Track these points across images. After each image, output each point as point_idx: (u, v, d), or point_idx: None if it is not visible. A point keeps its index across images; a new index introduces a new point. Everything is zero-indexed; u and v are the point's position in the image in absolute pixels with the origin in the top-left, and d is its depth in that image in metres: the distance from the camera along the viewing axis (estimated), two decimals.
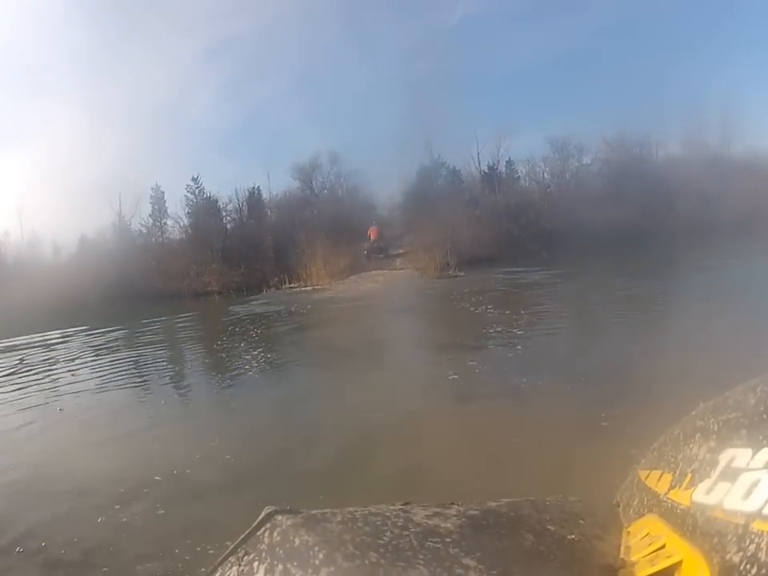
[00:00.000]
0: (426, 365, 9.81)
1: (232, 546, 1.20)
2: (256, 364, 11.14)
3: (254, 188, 33.78)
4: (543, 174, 35.41)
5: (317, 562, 0.99)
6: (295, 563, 1.02)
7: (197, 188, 34.54)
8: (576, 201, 30.87)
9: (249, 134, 50.90)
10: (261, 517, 1.20)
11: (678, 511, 1.03)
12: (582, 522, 1.30)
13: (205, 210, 33.12)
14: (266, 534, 1.15)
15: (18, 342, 17.13)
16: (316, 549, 1.03)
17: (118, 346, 15.72)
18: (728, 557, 0.81)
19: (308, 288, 25.55)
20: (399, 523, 1.18)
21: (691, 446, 1.16)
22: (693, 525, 0.94)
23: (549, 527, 1.25)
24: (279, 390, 9.38)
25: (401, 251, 29.35)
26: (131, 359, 13.22)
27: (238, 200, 33.47)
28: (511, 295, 17.16)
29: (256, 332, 15.44)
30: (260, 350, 12.58)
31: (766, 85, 50.88)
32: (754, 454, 0.90)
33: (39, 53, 46.79)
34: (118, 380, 11.03)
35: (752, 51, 48.42)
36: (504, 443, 5.67)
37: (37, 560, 4.49)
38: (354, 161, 35.07)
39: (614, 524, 1.27)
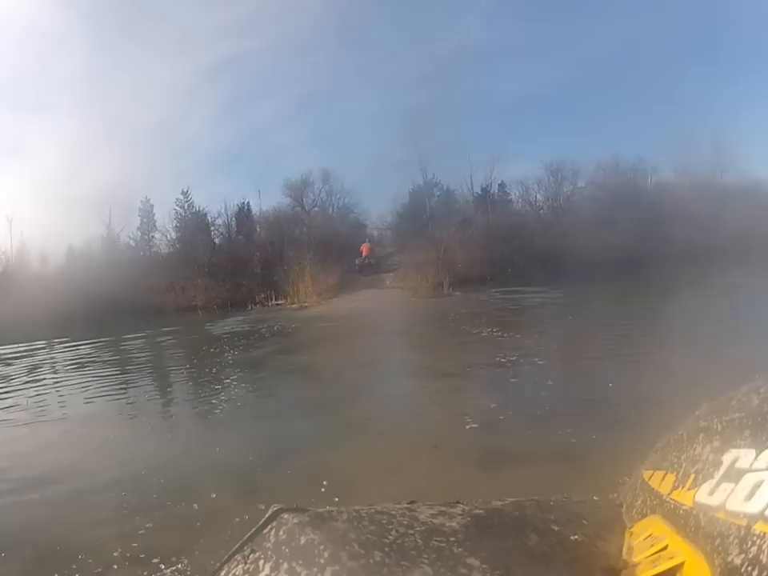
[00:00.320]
0: (433, 404, 7.63)
1: (238, 544, 1.13)
2: (217, 403, 8.67)
3: (243, 203, 32.63)
4: (536, 196, 34.66)
5: (322, 561, 0.95)
6: (300, 561, 0.97)
7: (186, 202, 33.32)
8: (570, 224, 30.40)
9: (244, 154, 50.26)
10: (267, 515, 1.13)
11: (681, 512, 0.97)
12: (585, 522, 1.22)
13: (193, 224, 31.94)
14: (272, 532, 1.09)
15: None
16: (321, 547, 0.98)
17: (81, 362, 14.45)
18: (730, 558, 0.77)
19: (294, 306, 24.21)
20: (404, 522, 1.12)
21: (695, 446, 1.09)
22: (695, 526, 0.89)
23: (552, 527, 1.17)
24: (236, 451, 6.39)
25: (392, 270, 28.25)
26: (77, 381, 11.61)
27: (227, 215, 32.33)
28: (515, 317, 15.25)
29: (232, 354, 13.60)
30: (231, 379, 10.60)
31: (758, 111, 52.29)
32: (757, 455, 0.86)
33: (40, 66, 44.59)
34: (47, 406, 9.42)
35: (744, 79, 48.08)
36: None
37: None
38: (346, 179, 34.47)
39: (616, 525, 1.19)
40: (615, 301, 17.13)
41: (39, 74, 45.04)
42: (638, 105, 45.20)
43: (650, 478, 1.26)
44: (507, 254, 28.67)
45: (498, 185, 34.12)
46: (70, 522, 4.61)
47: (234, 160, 50.45)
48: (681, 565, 0.87)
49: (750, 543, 0.75)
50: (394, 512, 1.18)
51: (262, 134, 50.86)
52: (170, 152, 47.14)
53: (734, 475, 0.89)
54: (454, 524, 1.13)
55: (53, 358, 15.65)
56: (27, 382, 11.72)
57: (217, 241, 31.94)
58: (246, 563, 1.08)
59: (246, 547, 1.12)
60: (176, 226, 32.41)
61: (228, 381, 10.14)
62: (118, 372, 12.41)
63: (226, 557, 1.16)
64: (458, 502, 1.27)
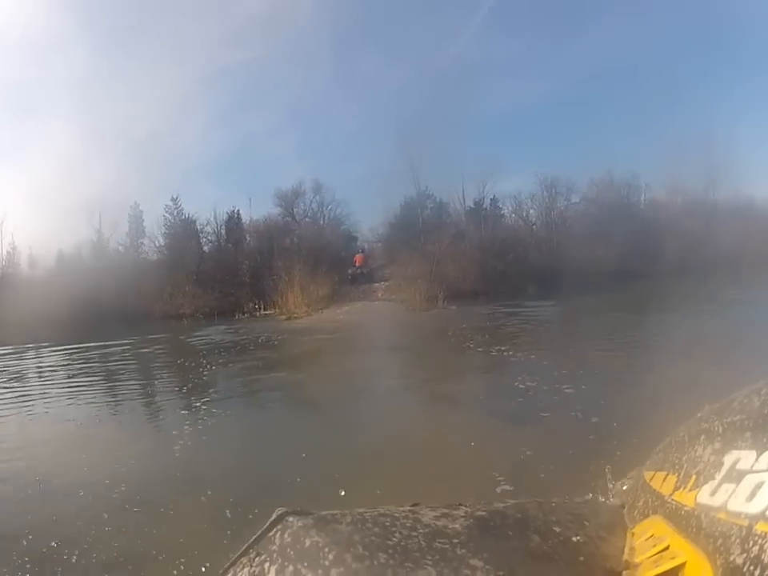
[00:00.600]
0: (451, 450, 5.65)
1: (244, 547, 1.11)
2: (177, 435, 6.95)
3: (233, 211, 31.44)
4: (529, 211, 33.86)
5: (327, 563, 0.94)
6: (306, 564, 0.96)
7: (175, 208, 32.06)
8: (564, 239, 29.54)
9: (235, 164, 48.60)
10: (272, 518, 1.12)
11: (683, 513, 0.95)
12: (587, 523, 1.18)
13: (182, 230, 30.75)
14: (278, 534, 1.08)
15: None
16: (326, 550, 0.97)
17: (44, 369, 13.72)
18: (731, 558, 0.76)
19: (283, 316, 22.89)
20: (408, 524, 1.10)
21: (696, 447, 1.06)
22: (697, 526, 0.88)
23: (554, 528, 1.14)
24: (199, 500, 4.84)
25: (383, 281, 27.13)
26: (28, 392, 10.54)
27: (217, 222, 31.23)
28: (521, 333, 13.68)
29: (209, 369, 12.10)
30: (201, 401, 8.87)
31: (751, 129, 51.25)
32: (758, 456, 0.84)
33: (35, 71, 45.23)
34: None
35: (737, 95, 48.99)
36: None
37: None
38: (338, 191, 33.51)
39: (618, 525, 1.17)
40: (620, 315, 15.96)
41: (34, 79, 44.11)
42: (630, 121, 43.95)
43: (652, 478, 1.22)
44: (501, 269, 27.60)
45: (490, 199, 33.30)
46: None
47: (225, 170, 48.76)
48: (683, 565, 0.85)
49: (751, 543, 0.73)
50: (397, 514, 1.15)
51: (253, 144, 49.89)
52: (161, 160, 46.11)
53: (736, 476, 0.86)
54: (456, 526, 1.10)
55: (18, 364, 14.82)
56: None
57: (206, 248, 30.97)
58: (251, 566, 1.05)
59: (251, 550, 1.09)
60: (165, 232, 31.32)
61: (195, 405, 8.65)
62: (76, 384, 11.20)
63: (232, 560, 1.12)
64: (460, 504, 1.23)
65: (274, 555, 1.03)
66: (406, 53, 48.12)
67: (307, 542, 1.01)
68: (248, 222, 31.92)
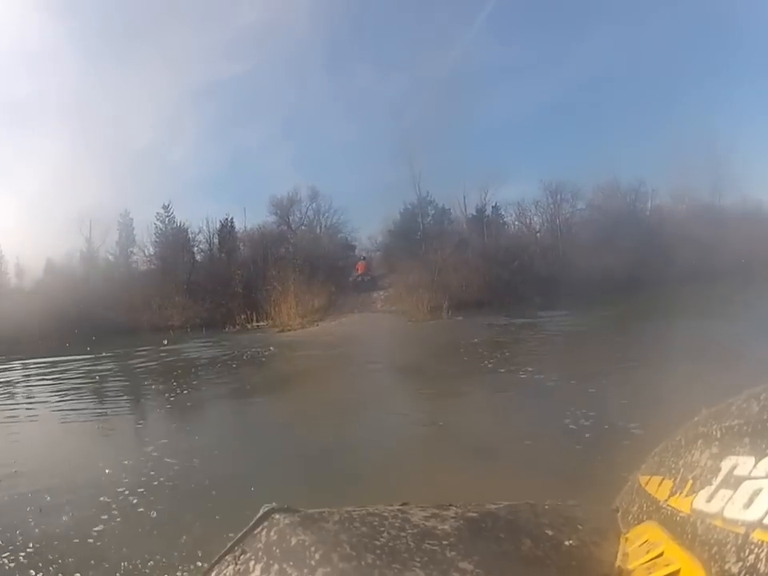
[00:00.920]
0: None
1: (229, 545, 1.08)
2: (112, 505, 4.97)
3: (226, 219, 30.09)
4: (533, 218, 32.53)
5: (313, 563, 0.91)
6: (291, 563, 0.93)
7: (167, 216, 30.75)
8: (569, 246, 28.30)
9: (231, 176, 46.89)
10: (258, 515, 1.08)
11: (678, 519, 0.92)
12: (580, 527, 1.15)
13: (173, 239, 29.55)
14: (263, 532, 1.04)
15: None
16: (312, 549, 0.94)
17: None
18: (727, 567, 0.74)
19: (276, 329, 21.39)
20: (396, 524, 1.06)
21: (693, 452, 1.03)
22: (692, 533, 0.86)
23: (547, 532, 1.10)
24: None
25: (382, 291, 25.71)
26: None
27: (209, 231, 29.98)
28: (546, 350, 12.41)
29: (179, 391, 10.28)
30: (158, 442, 6.82)
31: (758, 134, 49.35)
32: (756, 462, 0.81)
33: (27, 81, 44.88)
34: None
35: (742, 99, 46.74)
36: None
37: None
38: (335, 198, 31.85)
39: (612, 530, 1.12)
40: (653, 325, 13.91)
41: (26, 90, 42.86)
42: (635, 127, 43.20)
43: (647, 483, 1.16)
44: (505, 278, 26.09)
45: (492, 207, 32.07)
46: None
47: (220, 182, 47.57)
48: (677, 572, 0.83)
49: (747, 551, 0.72)
50: (386, 514, 1.11)
51: (247, 157, 48.38)
52: (154, 172, 44.82)
53: (733, 482, 0.83)
54: (446, 527, 1.07)
55: None
56: None
57: (198, 258, 29.84)
58: (236, 564, 1.03)
59: (236, 548, 1.06)
60: (155, 241, 30.23)
61: (148, 447, 6.66)
62: (30, 404, 10.07)
63: (217, 557, 1.09)
64: (450, 505, 1.19)
65: (260, 553, 0.99)
66: (402, 62, 46.44)
67: (293, 541, 0.97)
68: (242, 230, 30.88)
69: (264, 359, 13.65)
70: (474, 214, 31.36)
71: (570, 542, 1.06)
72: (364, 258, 28.87)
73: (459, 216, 31.95)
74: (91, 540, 4.25)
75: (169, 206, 30.34)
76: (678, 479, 1.01)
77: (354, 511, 1.10)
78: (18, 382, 13.05)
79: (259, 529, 1.05)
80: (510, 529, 1.10)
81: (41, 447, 7.18)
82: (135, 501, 4.96)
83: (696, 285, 20.23)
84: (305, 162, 49.59)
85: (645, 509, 1.09)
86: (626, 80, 46.99)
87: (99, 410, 9.23)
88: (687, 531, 0.86)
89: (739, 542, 0.73)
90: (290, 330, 20.68)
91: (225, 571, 1.03)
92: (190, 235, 29.72)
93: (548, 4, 48.04)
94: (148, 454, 6.28)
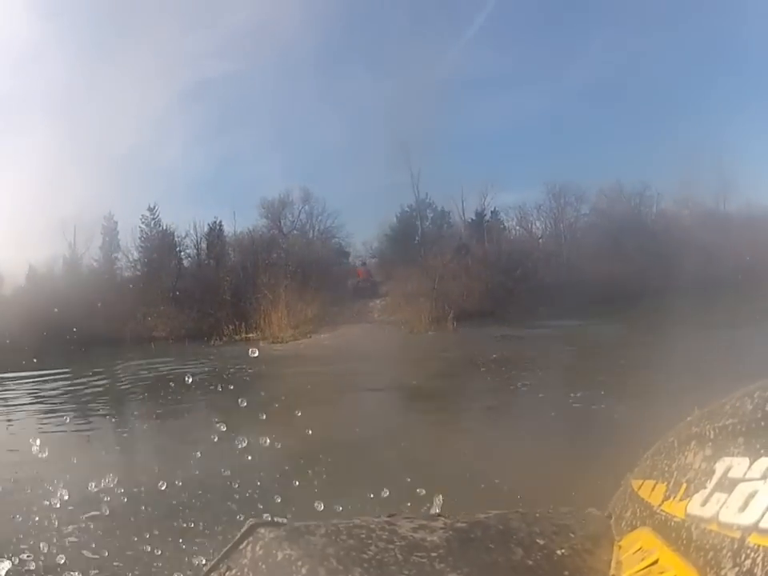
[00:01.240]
0: None
1: (214, 561, 1.06)
2: None
3: (214, 222, 28.40)
4: (535, 222, 31.03)
5: None
6: None
7: (152, 219, 28.82)
8: (574, 253, 27.10)
9: (220, 179, 45.43)
10: (243, 530, 1.06)
11: (672, 524, 0.88)
12: (572, 535, 1.11)
13: (158, 244, 27.84)
14: (249, 547, 1.02)
15: None
16: (299, 563, 0.92)
17: None
18: (723, 573, 0.71)
19: (267, 341, 19.86)
20: (384, 536, 1.03)
21: (686, 454, 0.99)
22: (687, 538, 0.82)
23: (538, 540, 1.08)
24: None
25: (378, 300, 24.45)
26: None
27: (197, 235, 28.30)
28: (586, 366, 10.47)
29: (129, 425, 8.76)
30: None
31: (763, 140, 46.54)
32: (750, 464, 0.78)
33: (11, 81, 40.60)
34: None
35: (748, 108, 41.79)
36: None
37: None
38: (328, 200, 29.87)
39: (605, 537, 1.10)
40: (682, 336, 11.99)
41: (9, 89, 39.41)
42: (639, 132, 43.78)
43: (640, 487, 1.13)
44: (508, 286, 24.80)
45: (491, 212, 30.59)
46: None
47: (208, 186, 44.94)
48: None
49: (743, 556, 0.68)
50: (373, 526, 1.08)
51: (237, 160, 46.50)
52: (142, 175, 42.59)
53: (727, 485, 0.80)
54: (435, 538, 1.03)
55: None
56: None
57: (185, 263, 28.35)
58: None
59: (221, 564, 1.04)
60: (140, 245, 28.56)
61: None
62: None
63: (203, 574, 1.07)
64: (439, 515, 1.15)
65: (245, 569, 0.97)
66: (395, 66, 44.71)
67: (279, 555, 0.95)
68: (232, 235, 29.48)
69: (247, 378, 11.84)
70: (474, 218, 30.16)
71: (563, 550, 1.03)
72: (364, 264, 28.30)
73: (458, 221, 30.85)
74: None
75: (154, 208, 28.84)
76: (672, 483, 0.97)
77: (341, 524, 1.06)
78: None
79: (244, 544, 1.02)
80: (501, 538, 1.05)
81: None
82: None
83: (705, 293, 18.79)
84: (296, 166, 48.31)
85: (638, 514, 1.05)
86: (630, 86, 45.86)
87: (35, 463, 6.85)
88: (682, 537, 0.83)
89: (735, 546, 0.70)
90: (280, 343, 19.44)
91: None
92: (177, 239, 28.40)
93: (551, 8, 46.13)
94: None
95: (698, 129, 39.22)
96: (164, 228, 28.43)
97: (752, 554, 0.66)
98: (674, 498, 0.91)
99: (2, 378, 13.72)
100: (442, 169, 39.74)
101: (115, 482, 4.27)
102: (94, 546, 4.32)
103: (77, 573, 3.64)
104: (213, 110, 49.75)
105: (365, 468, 5.44)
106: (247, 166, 46.92)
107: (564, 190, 29.75)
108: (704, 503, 0.81)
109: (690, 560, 0.77)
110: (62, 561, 3.81)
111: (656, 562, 0.84)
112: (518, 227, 31.14)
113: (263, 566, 0.94)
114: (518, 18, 47.17)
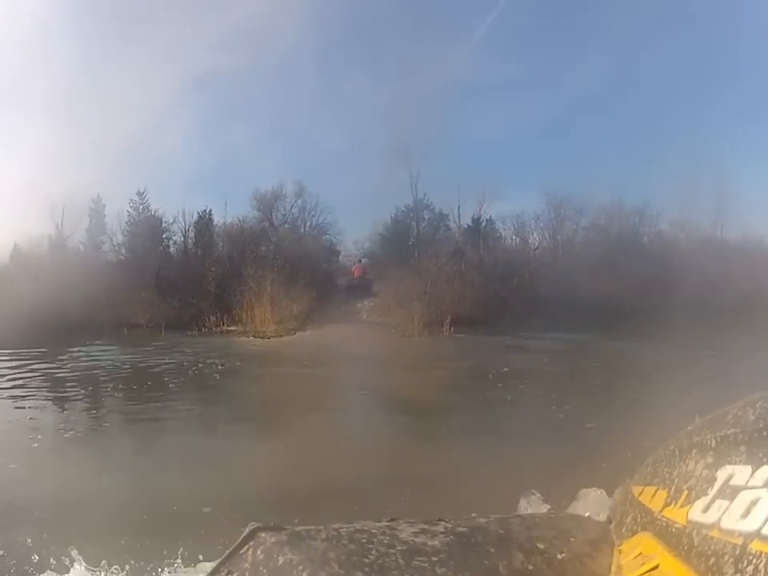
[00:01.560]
0: None
1: (215, 565, 1.03)
2: None
3: (204, 211, 26.90)
4: (532, 233, 29.99)
5: None
6: None
7: (141, 204, 27.36)
8: (571, 267, 25.29)
9: (215, 172, 44.87)
10: (244, 534, 1.03)
11: (673, 530, 0.88)
12: (572, 539, 1.09)
13: (144, 229, 26.24)
14: (250, 552, 0.99)
15: None
16: (300, 568, 0.90)
17: None
18: None
19: (248, 335, 18.82)
20: (385, 541, 1.01)
21: (687, 461, 0.98)
22: (688, 544, 0.81)
23: (538, 545, 1.05)
24: None
25: (367, 301, 23.13)
26: None
27: (185, 223, 26.87)
28: (626, 384, 8.53)
29: (59, 437, 6.65)
30: None
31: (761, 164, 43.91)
32: (753, 472, 0.77)
33: (14, 63, 37.98)
34: None
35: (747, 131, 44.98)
36: None
37: None
38: (322, 196, 28.40)
39: (605, 542, 1.08)
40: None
41: (14, 69, 39.71)
42: (638, 150, 41.72)
43: (641, 493, 1.11)
44: (503, 295, 23.86)
45: (487, 220, 29.33)
46: None
47: (204, 178, 44.21)
48: None
49: (745, 563, 0.67)
50: (374, 530, 1.05)
51: (234, 155, 45.69)
52: (137, 162, 42.10)
53: (729, 492, 0.79)
54: (436, 543, 1.02)
55: None
56: None
57: (171, 251, 27.03)
58: None
59: (222, 568, 1.02)
60: (125, 230, 27.26)
61: None
62: None
63: None
64: (440, 520, 1.13)
65: (246, 573, 0.96)
66: (396, 68, 43.74)
67: (280, 560, 0.93)
68: (222, 225, 28.15)
69: (218, 376, 10.28)
70: (470, 224, 28.94)
71: (563, 554, 1.01)
72: (360, 261, 27.65)
73: (453, 227, 29.76)
74: None
75: (144, 192, 27.73)
76: (673, 489, 0.96)
77: (342, 528, 1.04)
78: None
79: (245, 548, 1.00)
80: (501, 543, 1.04)
81: None
82: None
83: (706, 317, 18.08)
84: (292, 163, 48.35)
85: (639, 520, 1.03)
86: (631, 102, 45.37)
87: None
88: (683, 543, 0.82)
89: (737, 552, 0.69)
90: (262, 338, 18.37)
91: None
92: (164, 225, 27.19)
93: (551, 23, 45.28)
94: None
95: (696, 151, 38.78)
96: (152, 213, 27.30)
97: (754, 561, 0.65)
98: (676, 504, 0.90)
99: None
100: (439, 173, 39.09)
101: None
102: None
103: None
104: (214, 102, 49.63)
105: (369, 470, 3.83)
106: (244, 159, 47.00)
107: (564, 201, 29.08)
108: (706, 510, 0.80)
109: (691, 565, 0.76)
110: None
111: (656, 566, 0.84)
112: (514, 236, 30.35)
113: (264, 571, 0.92)
114: (523, 26, 46.99)
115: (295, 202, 28.56)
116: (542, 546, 1.02)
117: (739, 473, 0.78)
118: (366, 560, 0.91)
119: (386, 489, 4.58)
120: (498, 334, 17.59)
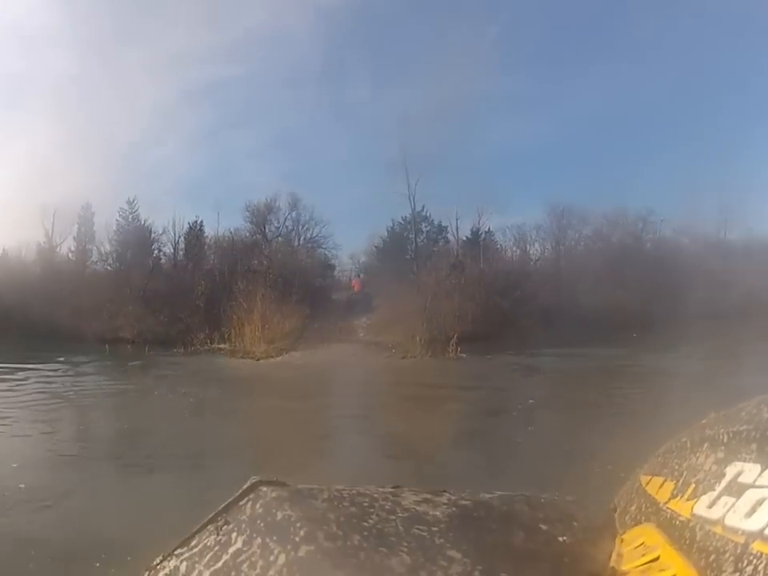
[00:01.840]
0: None
1: (212, 514, 1.01)
2: None
3: (195, 222, 26.09)
4: (534, 244, 28.87)
5: (297, 539, 0.86)
6: (275, 538, 0.88)
7: (131, 213, 26.40)
8: (575, 277, 24.55)
9: (212, 182, 41.49)
10: (245, 486, 1.01)
11: (677, 523, 0.85)
12: (575, 523, 1.06)
13: (133, 239, 25.30)
14: (249, 504, 0.99)
15: None
16: (298, 525, 0.88)
17: None
18: None
19: (237, 355, 17.71)
20: (387, 506, 0.99)
21: (698, 455, 0.95)
22: (691, 538, 0.79)
23: (540, 526, 1.03)
24: None
25: (364, 319, 22.13)
26: None
27: (175, 233, 25.94)
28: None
29: None
30: None
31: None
32: (762, 471, 0.75)
33: (22, 64, 40.71)
34: None
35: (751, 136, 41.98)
36: None
37: None
38: (317, 209, 27.14)
39: (608, 529, 1.04)
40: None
41: (8, 75, 39.84)
42: (641, 159, 41.73)
43: (648, 483, 1.07)
44: (505, 308, 22.80)
45: (486, 232, 28.34)
46: None
47: (200, 189, 44.60)
48: None
49: (745, 562, 0.66)
50: (377, 495, 1.04)
51: (231, 165, 44.72)
52: (134, 171, 42.72)
53: (736, 489, 0.77)
54: (437, 513, 1.00)
55: None
56: None
57: (161, 262, 26.00)
58: (218, 534, 0.96)
59: (219, 518, 0.99)
60: (113, 239, 26.32)
61: None
62: None
63: (199, 526, 1.01)
64: (444, 491, 1.11)
65: (243, 525, 0.93)
66: (399, 81, 42.81)
67: (279, 515, 0.91)
68: (214, 237, 27.25)
69: (191, 406, 8.68)
70: (469, 236, 28.01)
71: (564, 537, 0.99)
72: (359, 276, 27.25)
73: (452, 239, 28.77)
74: None
75: (134, 201, 26.86)
76: (681, 482, 0.93)
77: (344, 490, 1.03)
78: None
79: (245, 500, 0.98)
80: (503, 520, 1.02)
81: None
82: None
83: (711, 323, 17.53)
84: (289, 175, 47.64)
85: (644, 510, 1.01)
86: (634, 115, 44.12)
87: None
88: (685, 536, 0.80)
89: (738, 551, 0.68)
90: (251, 359, 17.32)
91: (206, 540, 0.97)
92: (154, 235, 26.37)
93: (555, 36, 44.29)
94: None
95: (698, 157, 38.57)
96: (142, 223, 26.33)
97: (754, 561, 0.64)
98: (682, 496, 0.88)
99: None
100: (438, 185, 38.82)
101: None
102: None
103: None
104: (212, 112, 49.31)
105: None
106: (237, 170, 46.59)
107: (566, 211, 27.92)
108: (711, 505, 0.78)
109: (691, 560, 0.74)
110: None
111: (657, 558, 0.81)
112: (514, 248, 29.25)
113: (261, 524, 0.90)
114: (526, 40, 46.05)
115: (289, 214, 27.61)
116: (544, 527, 0.99)
117: (748, 470, 0.74)
118: (366, 524, 0.89)
119: None
120: (504, 351, 16.62)
